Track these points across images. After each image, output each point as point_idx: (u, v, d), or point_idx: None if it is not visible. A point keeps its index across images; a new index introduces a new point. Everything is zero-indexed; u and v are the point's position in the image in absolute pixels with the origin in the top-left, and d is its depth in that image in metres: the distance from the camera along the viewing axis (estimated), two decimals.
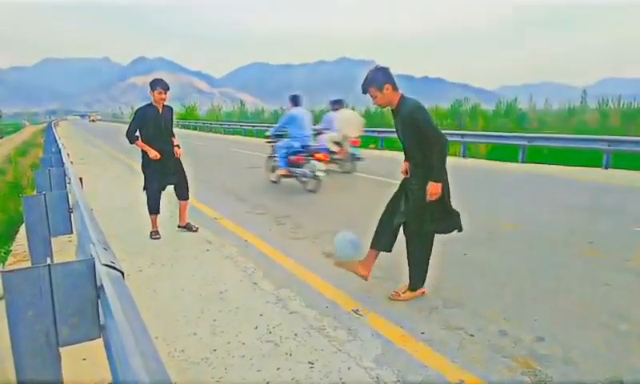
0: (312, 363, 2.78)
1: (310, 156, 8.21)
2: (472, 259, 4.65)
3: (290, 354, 2.89)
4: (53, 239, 3.49)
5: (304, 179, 8.39)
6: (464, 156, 15.02)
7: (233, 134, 32.12)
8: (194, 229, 5.85)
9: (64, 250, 4.88)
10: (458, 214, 3.69)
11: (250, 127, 31.77)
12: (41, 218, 3.33)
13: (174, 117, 5.86)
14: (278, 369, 2.73)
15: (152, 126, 5.37)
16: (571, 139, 13.23)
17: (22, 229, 5.97)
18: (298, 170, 8.40)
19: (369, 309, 3.52)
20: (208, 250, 5.10)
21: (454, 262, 4.58)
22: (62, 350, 1.64)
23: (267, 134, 9.66)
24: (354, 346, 2.98)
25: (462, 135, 15.70)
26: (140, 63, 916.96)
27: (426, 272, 3.75)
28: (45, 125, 53.85)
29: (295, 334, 3.15)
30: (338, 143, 10.34)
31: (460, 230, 3.68)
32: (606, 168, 11.51)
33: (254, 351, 2.93)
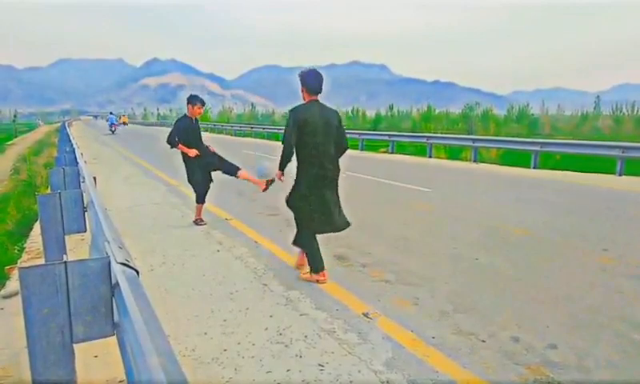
0: (322, 366, 2.78)
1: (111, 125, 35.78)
2: (483, 264, 4.61)
3: (300, 356, 2.89)
4: (66, 237, 3.52)
5: (112, 127, 35.38)
6: (475, 161, 14.89)
7: (243, 136, 32.23)
8: (265, 187, 5.60)
9: (77, 247, 4.93)
10: (324, 223, 4.15)
11: (261, 129, 31.88)
12: (55, 216, 3.37)
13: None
14: (287, 370, 2.73)
15: (187, 134, 6.24)
16: (584, 145, 13.09)
17: (36, 226, 6.05)
18: (112, 128, 35.30)
19: (379, 312, 3.51)
20: (219, 251, 5.13)
21: (464, 266, 4.55)
22: (74, 346, 1.65)
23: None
24: (364, 349, 2.97)
25: (474, 140, 15.60)
26: (153, 64, 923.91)
27: (314, 260, 4.12)
28: (58, 124, 54.60)
29: (305, 336, 3.14)
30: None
31: (319, 232, 4.19)
32: (620, 175, 11.37)
33: (264, 352, 2.94)
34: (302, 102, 4.14)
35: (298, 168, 4.14)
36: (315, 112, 4.06)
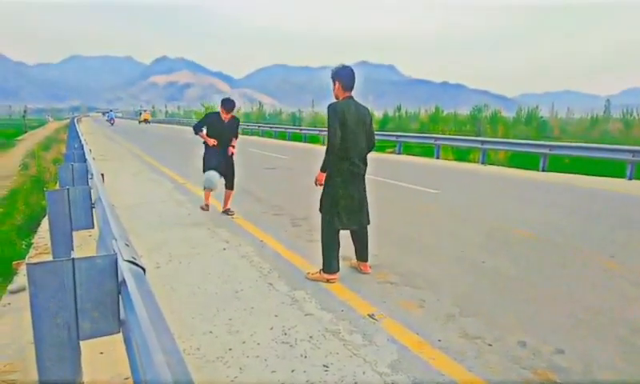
0: (327, 366, 2.77)
1: (110, 119, 49.87)
2: (490, 267, 4.58)
3: (305, 357, 2.88)
4: (74, 233, 3.54)
5: (111, 121, 48.42)
6: (483, 163, 14.82)
7: (250, 135, 32.29)
8: (230, 213, 6.80)
9: (84, 244, 4.96)
10: (350, 218, 4.22)
11: (268, 128, 31.91)
12: (63, 212, 3.39)
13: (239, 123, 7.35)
14: (292, 371, 2.72)
15: (214, 128, 6.84)
16: (594, 149, 12.97)
17: (44, 222, 6.09)
18: (111, 121, 48.25)
19: (385, 314, 3.49)
20: (225, 249, 5.13)
21: (471, 269, 4.52)
22: (80, 343, 1.66)
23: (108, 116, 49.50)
24: (369, 350, 2.96)
25: (482, 142, 15.51)
26: (162, 63, 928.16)
27: (329, 258, 4.16)
28: (68, 120, 55.17)
29: (310, 337, 3.14)
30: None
31: (344, 228, 4.24)
32: (630, 179, 11.26)
33: (269, 352, 2.93)
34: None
35: (331, 164, 4.11)
36: (352, 109, 4.09)
